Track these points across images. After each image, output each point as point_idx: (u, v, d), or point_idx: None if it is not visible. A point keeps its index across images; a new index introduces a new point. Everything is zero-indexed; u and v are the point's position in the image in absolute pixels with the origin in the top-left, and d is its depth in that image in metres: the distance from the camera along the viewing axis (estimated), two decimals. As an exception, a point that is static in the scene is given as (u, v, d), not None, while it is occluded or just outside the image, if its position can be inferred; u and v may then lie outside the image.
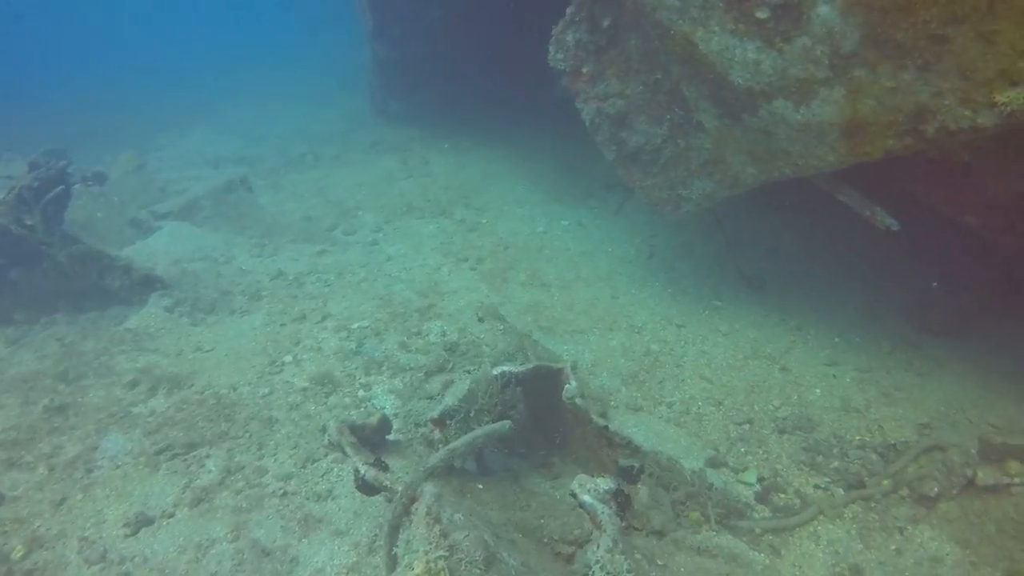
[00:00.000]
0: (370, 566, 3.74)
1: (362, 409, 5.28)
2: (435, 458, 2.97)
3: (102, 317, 6.85)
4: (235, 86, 21.81)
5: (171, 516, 4.23)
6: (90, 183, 7.40)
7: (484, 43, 12.01)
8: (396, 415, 5.06)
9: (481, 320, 6.13)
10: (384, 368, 5.76)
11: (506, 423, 3.25)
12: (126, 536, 4.07)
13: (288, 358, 6.02)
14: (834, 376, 5.45)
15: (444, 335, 6.19)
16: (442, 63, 12.93)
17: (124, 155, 12.36)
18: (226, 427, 5.11)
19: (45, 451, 4.92)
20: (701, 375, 5.60)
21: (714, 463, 4.55)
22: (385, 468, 3.37)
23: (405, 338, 6.18)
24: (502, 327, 5.99)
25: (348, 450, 3.53)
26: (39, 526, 4.23)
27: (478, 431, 3.15)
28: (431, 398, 5.06)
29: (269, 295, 7.24)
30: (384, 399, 5.37)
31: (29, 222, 6.57)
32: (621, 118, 5.43)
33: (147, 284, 7.09)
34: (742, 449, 4.77)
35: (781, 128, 4.38)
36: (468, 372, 5.20)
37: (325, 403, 5.38)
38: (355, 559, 3.83)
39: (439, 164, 11.09)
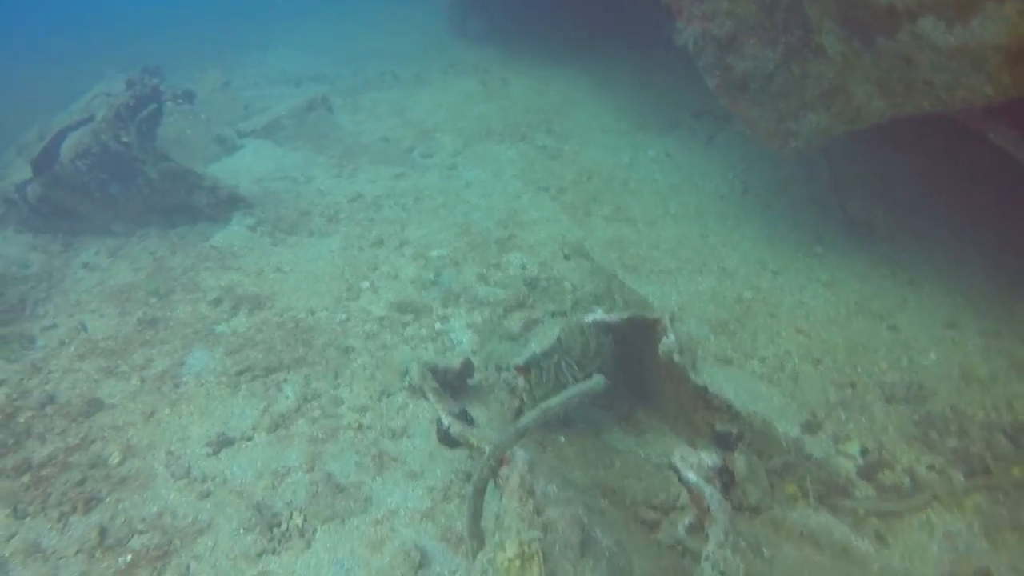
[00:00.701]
0: (444, 514, 3.67)
1: (439, 342, 5.18)
2: (527, 418, 2.78)
3: (191, 232, 6.94)
4: (314, 3, 21.51)
5: (250, 439, 4.28)
6: (180, 100, 7.37)
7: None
8: (475, 353, 4.94)
9: (567, 257, 5.87)
10: (462, 300, 5.63)
11: (600, 379, 3.02)
12: (208, 455, 4.15)
13: (365, 284, 5.96)
14: (953, 340, 4.89)
15: (524, 268, 5.99)
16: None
17: (211, 72, 12.39)
18: (303, 352, 5.12)
19: (138, 362, 5.05)
20: (798, 328, 5.22)
21: (811, 428, 4.20)
22: (470, 422, 3.24)
23: (484, 270, 6.02)
24: (588, 265, 5.73)
25: (431, 396, 3.42)
26: (132, 436, 4.36)
27: (572, 389, 2.93)
28: (512, 339, 4.89)
29: (347, 218, 7.16)
30: (462, 334, 5.25)
31: (125, 139, 6.63)
32: (729, 40, 4.91)
33: (231, 202, 7.13)
34: (843, 415, 4.37)
35: (926, 53, 3.77)
36: (552, 315, 4.99)
37: (402, 334, 5.31)
38: (429, 504, 3.76)
39: (519, 86, 10.64)
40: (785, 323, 5.27)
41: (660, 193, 7.21)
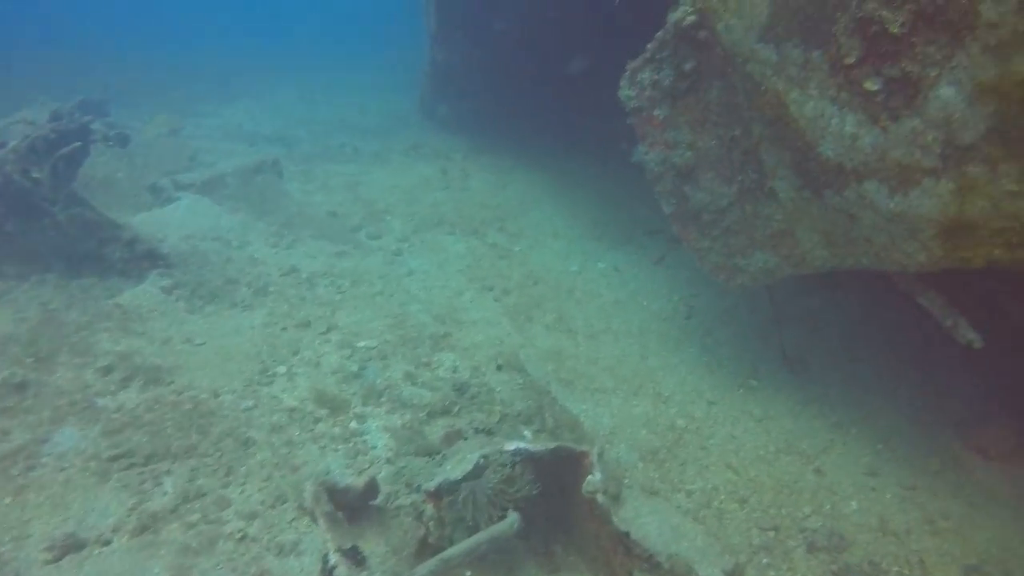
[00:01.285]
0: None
1: (352, 445, 4.69)
2: (424, 569, 2.35)
3: (97, 286, 6.35)
4: (292, 64, 21.61)
5: (106, 544, 3.66)
6: (111, 143, 6.95)
7: (546, 63, 11.52)
8: (389, 461, 4.47)
9: (500, 368, 5.51)
10: (384, 399, 5.18)
11: (514, 519, 2.64)
12: (46, 562, 3.50)
13: (282, 369, 5.47)
14: (874, 489, 4.79)
15: (455, 371, 5.61)
16: (499, 75, 12.46)
17: (160, 116, 12.02)
18: (196, 440, 4.55)
19: (-10, 433, 4.39)
20: (727, 463, 4.97)
21: (733, 575, 3.92)
22: (361, 561, 2.78)
23: (413, 367, 5.61)
24: (521, 381, 5.38)
25: (321, 523, 2.95)
26: (-45, 525, 3.68)
27: (481, 535, 2.55)
28: (430, 453, 4.45)
29: (276, 292, 6.71)
30: (378, 437, 4.78)
31: (36, 175, 6.10)
32: (688, 171, 4.85)
33: (149, 259, 6.61)
34: (764, 560, 4.15)
35: (868, 213, 3.78)
36: (476, 431, 4.59)
37: (312, 431, 4.81)
38: (307, 645, 3.23)
39: (479, 179, 10.56)
40: (715, 457, 5.01)
41: (605, 307, 7.00)
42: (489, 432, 4.60)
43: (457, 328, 6.32)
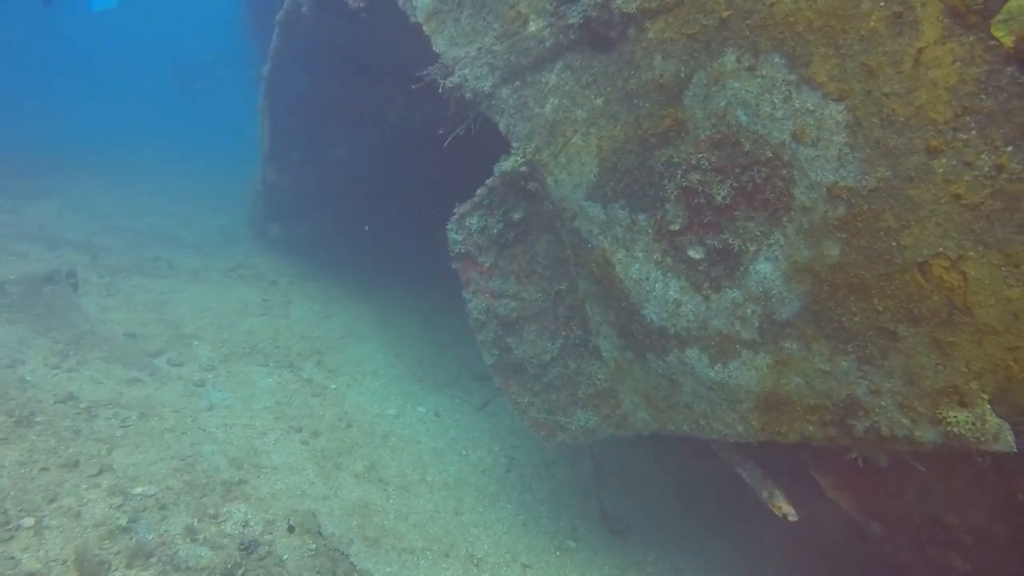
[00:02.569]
0: None
1: (101, 620, 3.99)
2: None
3: None
4: (123, 162, 20.35)
5: None
6: None
7: (383, 191, 11.71)
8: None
9: (292, 529, 5.02)
10: (153, 561, 4.51)
11: None
12: None
13: (28, 521, 4.64)
14: None
15: (245, 526, 5.06)
16: (333, 201, 12.45)
17: (-61, 208, 10.62)
18: None
19: None
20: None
21: None
22: None
23: (195, 520, 4.99)
24: (314, 547, 4.93)
25: None
26: None
27: None
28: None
29: (44, 424, 5.83)
30: (136, 610, 4.11)
31: None
32: (512, 322, 4.92)
33: None
34: None
35: (689, 381, 3.97)
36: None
37: (53, 602, 4.05)
38: None
39: (302, 307, 10.19)
40: (525, 637, 4.80)
41: (421, 456, 6.77)
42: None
43: (255, 474, 5.79)
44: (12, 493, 4.89)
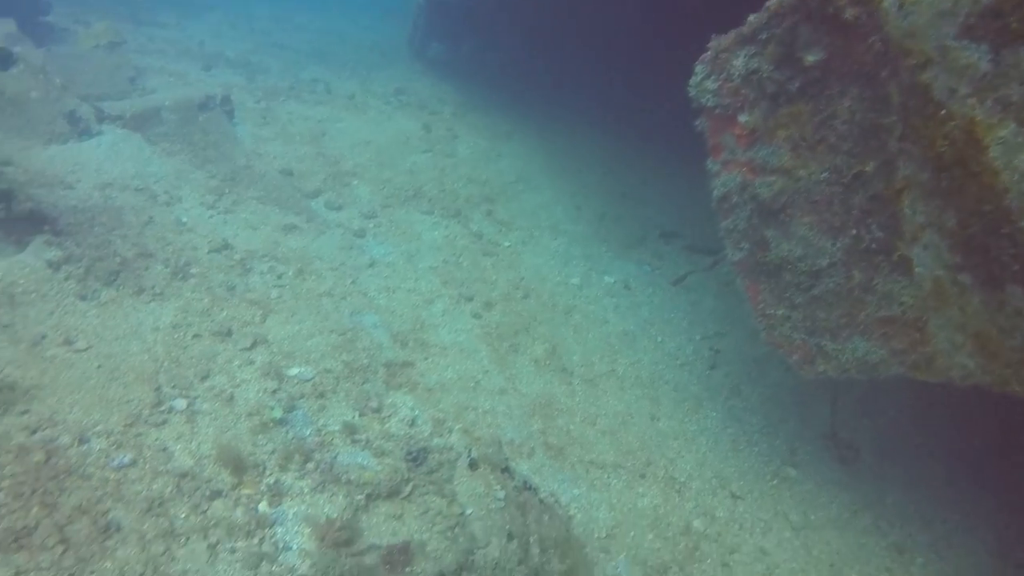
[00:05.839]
0: None
1: (255, 542, 3.38)
2: None
3: (-44, 250, 4.86)
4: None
5: None
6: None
7: (566, 8, 9.85)
8: (298, 589, 3.17)
9: (473, 465, 4.06)
10: (310, 468, 3.84)
11: None
12: None
13: (181, 403, 4.08)
14: None
15: (412, 425, 4.29)
16: (507, 14, 10.73)
17: (100, 24, 10.10)
18: (37, 517, 3.19)
19: None
20: (757, 595, 3.79)
21: None
22: None
23: (357, 415, 4.27)
24: (502, 494, 3.98)
25: None
26: None
27: None
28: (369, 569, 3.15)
29: (199, 277, 5.27)
30: (293, 531, 3.47)
31: None
32: (776, 209, 3.45)
33: (33, 222, 5.08)
34: None
35: None
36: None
37: (204, 512, 3.47)
38: None
39: (468, 143, 9.01)
40: (743, 589, 3.82)
41: (609, 340, 5.67)
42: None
43: (422, 354, 4.97)
44: (165, 364, 4.35)
